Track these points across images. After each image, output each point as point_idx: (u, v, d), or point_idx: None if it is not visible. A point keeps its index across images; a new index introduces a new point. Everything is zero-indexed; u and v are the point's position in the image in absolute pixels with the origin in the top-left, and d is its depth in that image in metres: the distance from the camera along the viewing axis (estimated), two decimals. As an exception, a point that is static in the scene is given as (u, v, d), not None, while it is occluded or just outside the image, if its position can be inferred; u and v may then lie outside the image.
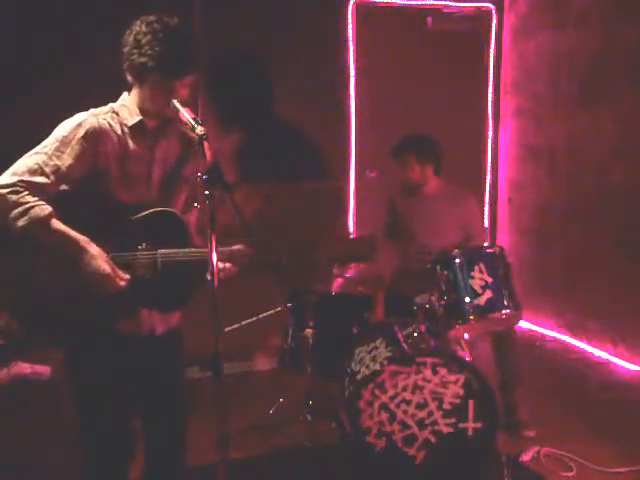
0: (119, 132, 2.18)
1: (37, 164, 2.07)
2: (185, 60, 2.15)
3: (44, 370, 3.38)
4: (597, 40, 4.81)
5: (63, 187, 2.12)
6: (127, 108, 2.22)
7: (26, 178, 2.05)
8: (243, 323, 4.08)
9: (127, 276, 2.12)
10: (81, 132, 2.11)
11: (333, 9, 5.06)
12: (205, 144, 1.95)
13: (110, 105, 2.23)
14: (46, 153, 2.09)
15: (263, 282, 4.06)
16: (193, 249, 2.23)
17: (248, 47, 4.69)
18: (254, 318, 4.10)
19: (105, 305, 2.13)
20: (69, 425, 3.01)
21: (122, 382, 2.25)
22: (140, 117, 2.20)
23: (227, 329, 3.83)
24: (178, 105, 2.13)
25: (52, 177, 2.08)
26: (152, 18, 2.14)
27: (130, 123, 2.19)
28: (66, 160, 2.09)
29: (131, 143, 2.19)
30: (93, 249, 2.08)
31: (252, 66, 4.83)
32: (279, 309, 3.94)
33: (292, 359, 3.55)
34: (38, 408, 3.16)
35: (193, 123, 2.02)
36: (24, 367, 3.43)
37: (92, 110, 2.19)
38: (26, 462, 3.18)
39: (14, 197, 2.02)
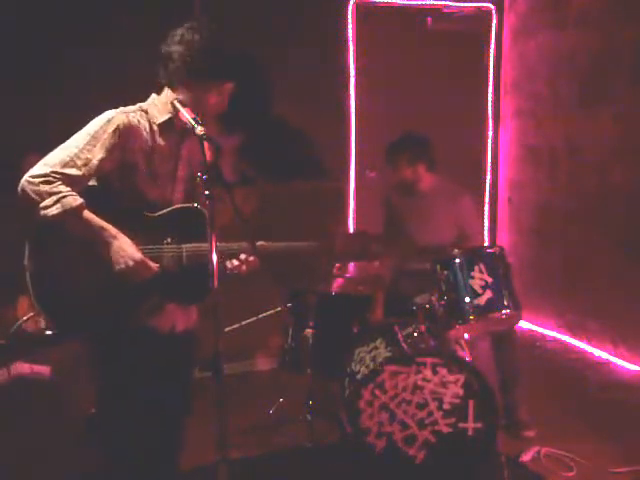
0: (147, 129, 2.23)
1: (69, 156, 2.11)
2: (223, 66, 2.28)
3: (44, 370, 3.38)
4: (597, 40, 4.81)
5: (92, 182, 2.18)
6: (157, 107, 2.27)
7: (58, 169, 2.09)
8: (243, 323, 4.08)
9: (156, 264, 2.19)
10: (111, 127, 2.16)
11: (333, 9, 5.07)
12: (205, 144, 1.96)
13: (139, 105, 2.29)
14: (77, 147, 2.13)
15: (263, 282, 4.07)
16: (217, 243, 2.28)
17: (248, 47, 4.68)
18: (254, 318, 4.10)
19: (132, 299, 2.19)
20: (69, 425, 3.01)
21: (145, 378, 2.27)
22: (170, 115, 2.25)
23: (227, 329, 3.83)
24: (178, 105, 2.16)
25: (83, 169, 2.12)
26: (196, 25, 2.23)
27: (159, 121, 2.25)
28: (97, 153, 2.13)
29: (159, 140, 2.25)
30: (124, 238, 2.14)
31: (252, 66, 4.83)
32: (279, 309, 3.94)
33: (292, 359, 3.55)
34: (38, 408, 3.16)
35: (193, 123, 2.05)
36: (24, 367, 3.43)
37: (121, 108, 2.24)
38: (26, 462, 3.18)
39: (47, 187, 2.06)
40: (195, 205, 2.27)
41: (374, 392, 2.90)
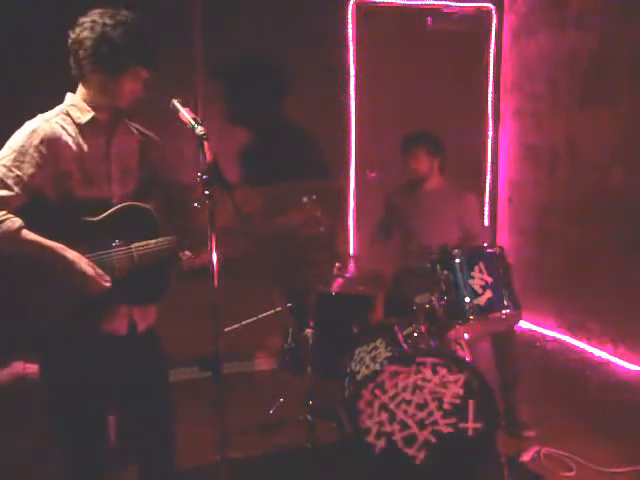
0: (73, 133, 2.15)
1: None
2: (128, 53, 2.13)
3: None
4: (597, 40, 4.81)
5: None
6: (76, 107, 2.19)
7: None
8: (243, 323, 4.08)
9: (108, 277, 2.12)
10: (37, 139, 2.07)
11: (333, 9, 5.06)
12: (205, 144, 1.95)
13: (58, 108, 2.20)
14: (4, 165, 2.04)
15: (263, 282, 4.07)
16: (165, 238, 2.24)
17: (248, 48, 4.69)
18: (254, 318, 4.09)
19: (86, 307, 2.12)
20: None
21: (103, 384, 2.24)
22: (92, 113, 2.18)
23: (227, 329, 3.83)
24: (178, 105, 2.13)
25: (16, 188, 2.03)
26: (105, 10, 2.12)
27: (84, 121, 2.17)
28: (27, 169, 2.05)
29: (87, 141, 2.17)
30: (71, 254, 2.06)
31: (252, 67, 4.83)
32: (279, 309, 3.94)
33: (292, 359, 3.55)
34: (38, 408, 3.16)
35: (193, 123, 2.03)
36: (24, 367, 3.43)
37: (41, 116, 2.15)
38: (26, 462, 3.18)
39: None
40: (136, 203, 2.22)
41: (374, 392, 2.89)
